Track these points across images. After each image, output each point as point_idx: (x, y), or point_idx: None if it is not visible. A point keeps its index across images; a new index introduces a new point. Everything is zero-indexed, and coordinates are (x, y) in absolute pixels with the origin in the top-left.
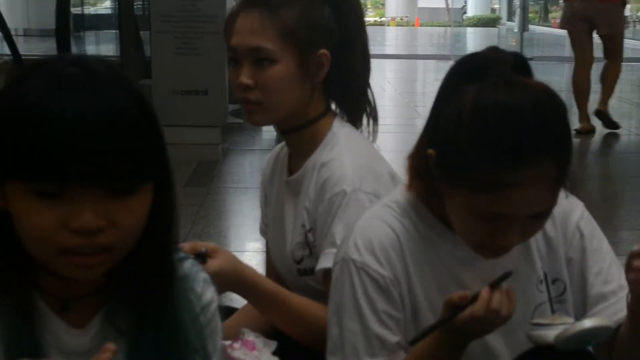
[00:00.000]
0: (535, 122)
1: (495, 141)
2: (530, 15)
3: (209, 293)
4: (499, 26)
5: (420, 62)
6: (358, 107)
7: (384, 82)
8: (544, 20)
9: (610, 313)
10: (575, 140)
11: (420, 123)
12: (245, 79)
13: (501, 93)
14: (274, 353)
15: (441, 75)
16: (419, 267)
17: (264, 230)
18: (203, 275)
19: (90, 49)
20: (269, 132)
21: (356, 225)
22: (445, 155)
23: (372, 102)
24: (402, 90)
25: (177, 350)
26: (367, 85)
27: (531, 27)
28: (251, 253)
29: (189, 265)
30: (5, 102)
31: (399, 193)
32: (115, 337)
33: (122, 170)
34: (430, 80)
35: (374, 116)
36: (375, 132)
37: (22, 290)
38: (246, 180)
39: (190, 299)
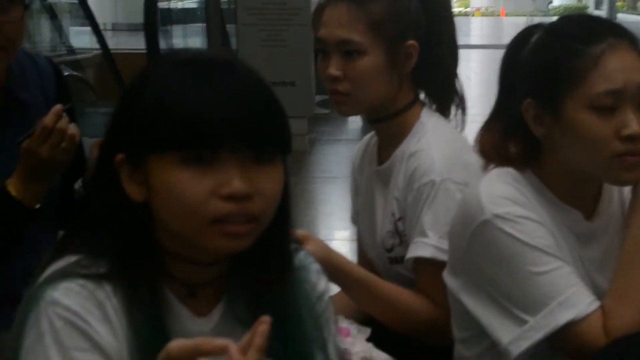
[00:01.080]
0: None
1: (570, 33)
2: (618, 4)
3: (323, 283)
4: None
5: None
6: (446, 96)
7: (469, 72)
8: (633, 8)
9: None
10: None
11: None
12: (334, 70)
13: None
14: (368, 339)
15: None
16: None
17: (355, 219)
18: (316, 266)
19: (178, 43)
20: (355, 122)
21: (479, 193)
22: (541, 87)
23: (460, 91)
24: (487, 80)
25: (296, 339)
26: (455, 75)
27: (619, 15)
28: (340, 242)
29: (302, 256)
30: (155, 76)
31: (495, 170)
32: (236, 326)
33: (269, 136)
34: None
35: (462, 106)
36: (463, 121)
37: (154, 280)
38: (333, 170)
39: (306, 289)
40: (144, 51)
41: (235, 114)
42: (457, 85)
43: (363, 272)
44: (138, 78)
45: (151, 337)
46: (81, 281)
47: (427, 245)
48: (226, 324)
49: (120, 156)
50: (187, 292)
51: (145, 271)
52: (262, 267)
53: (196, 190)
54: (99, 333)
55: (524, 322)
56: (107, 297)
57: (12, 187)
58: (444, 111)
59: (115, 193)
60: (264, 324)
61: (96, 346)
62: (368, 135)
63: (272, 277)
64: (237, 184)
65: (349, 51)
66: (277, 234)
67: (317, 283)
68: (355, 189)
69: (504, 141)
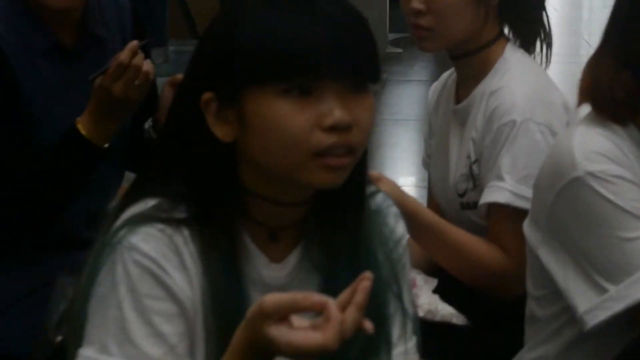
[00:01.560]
0: None
1: None
2: None
3: (401, 227)
4: None
5: None
6: (532, 31)
7: (549, 8)
8: None
9: None
10: None
11: (586, 52)
12: (417, 4)
13: None
14: (434, 291)
15: (610, 2)
16: None
17: (427, 162)
18: (394, 210)
19: None
20: (428, 62)
21: (572, 146)
22: None
23: (547, 26)
24: (567, 17)
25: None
26: (543, 7)
27: None
28: (407, 188)
29: (380, 199)
30: (248, 7)
31: (592, 117)
32: (311, 272)
33: (366, 64)
34: (598, 6)
35: (548, 41)
36: (548, 58)
37: (234, 223)
38: (404, 112)
39: (384, 233)
40: None
41: (336, 42)
42: (545, 19)
43: (434, 217)
44: (227, 10)
45: (225, 285)
46: (160, 226)
47: (503, 189)
48: (301, 271)
49: (208, 94)
50: (268, 236)
51: (227, 214)
52: (340, 209)
53: (298, 123)
54: (175, 281)
55: (605, 290)
56: (185, 242)
57: (82, 125)
58: (528, 47)
59: (199, 133)
60: (366, 280)
61: (171, 295)
62: (447, 73)
63: (349, 219)
64: (339, 114)
65: None
66: (356, 173)
67: (395, 227)
68: (429, 130)
69: (610, 81)
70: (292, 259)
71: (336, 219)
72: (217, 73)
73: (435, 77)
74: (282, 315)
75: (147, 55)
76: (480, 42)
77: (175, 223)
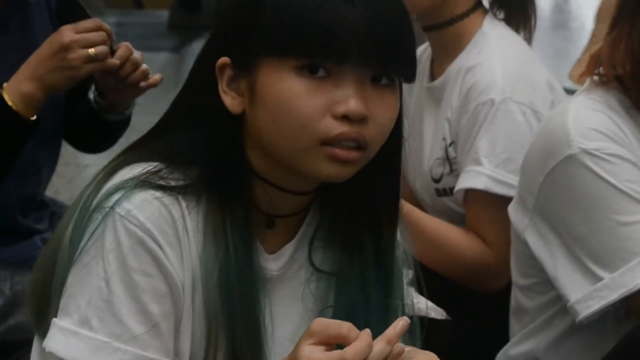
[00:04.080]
0: None
1: None
2: None
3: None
4: None
5: None
6: (516, 2)
7: None
8: None
9: None
10: None
11: (575, 25)
12: None
13: None
14: (409, 283)
15: None
16: None
17: None
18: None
19: None
20: None
21: (566, 122)
22: None
23: None
24: None
25: (386, 291)
26: None
27: None
28: None
29: None
30: None
31: (588, 92)
32: (303, 267)
33: (396, 57)
34: None
35: (533, 10)
36: (532, 32)
37: (243, 199)
38: None
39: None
40: None
41: (367, 27)
42: None
43: (406, 206)
44: None
45: (232, 269)
46: (158, 193)
47: (481, 174)
48: (295, 264)
49: (224, 59)
50: (266, 222)
51: (238, 190)
52: (362, 206)
53: (309, 104)
54: (169, 257)
55: (599, 278)
56: (182, 215)
57: (9, 93)
58: (510, 20)
59: (210, 99)
60: (404, 322)
61: (164, 273)
62: (421, 47)
63: (378, 219)
64: (354, 104)
65: None
66: (386, 169)
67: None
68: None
69: (612, 50)
70: (287, 251)
71: (344, 217)
72: (237, 37)
73: None
74: (325, 338)
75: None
76: (453, 11)
77: (175, 192)
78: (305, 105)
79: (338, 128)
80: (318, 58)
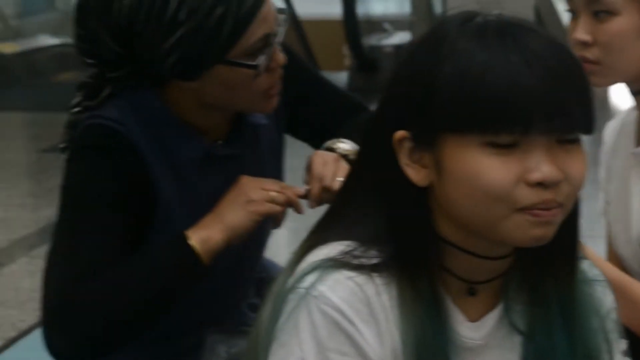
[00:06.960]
0: None
1: None
2: None
3: (610, 296)
4: None
5: None
6: None
7: None
8: None
9: None
10: None
11: None
12: (581, 34)
13: None
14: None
15: None
16: None
17: (605, 210)
18: (602, 280)
19: (376, 9)
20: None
21: None
22: None
23: None
24: None
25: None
26: None
27: None
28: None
29: (586, 265)
30: (451, 46)
31: None
32: (511, 334)
33: (580, 115)
34: None
35: None
36: None
37: (435, 273)
38: None
39: (594, 302)
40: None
41: (550, 92)
42: None
43: (615, 272)
44: (425, 46)
45: (427, 341)
46: (351, 273)
47: None
48: (499, 332)
49: (401, 133)
50: (467, 290)
51: (427, 261)
52: (549, 265)
53: (502, 177)
54: (364, 336)
55: None
56: (377, 293)
57: (196, 237)
58: None
59: (391, 173)
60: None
61: (359, 352)
62: (624, 111)
63: (560, 277)
64: (547, 170)
65: (598, 11)
66: (568, 226)
67: (604, 296)
68: (607, 175)
69: None
70: (491, 318)
71: (545, 274)
72: (413, 111)
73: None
74: None
75: None
76: None
77: (368, 270)
78: (497, 178)
79: (534, 196)
80: (503, 133)
